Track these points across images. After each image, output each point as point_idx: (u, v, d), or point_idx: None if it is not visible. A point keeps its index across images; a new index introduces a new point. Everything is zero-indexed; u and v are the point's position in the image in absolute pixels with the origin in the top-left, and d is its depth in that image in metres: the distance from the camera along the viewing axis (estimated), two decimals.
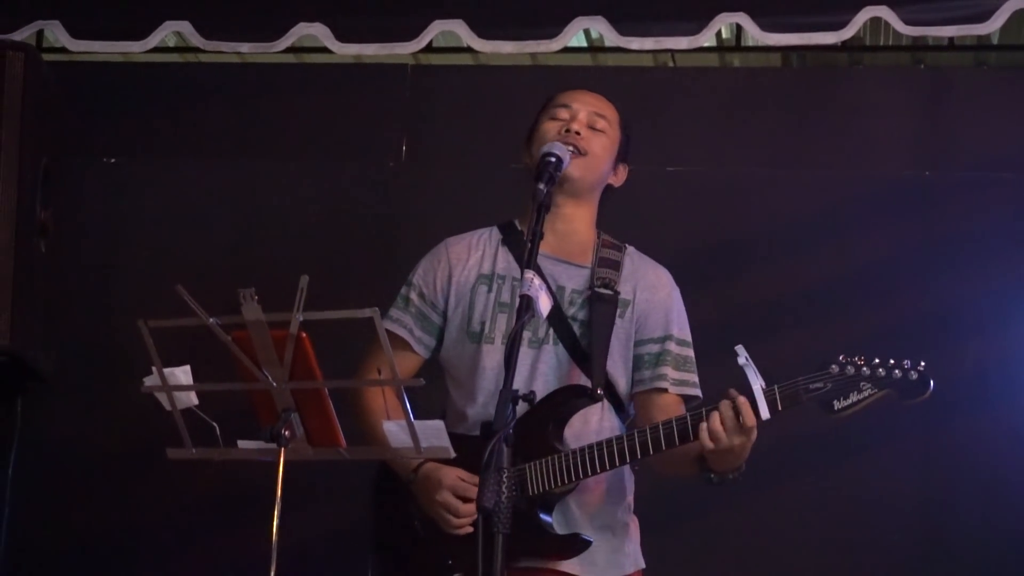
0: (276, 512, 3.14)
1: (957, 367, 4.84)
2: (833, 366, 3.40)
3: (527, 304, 3.19)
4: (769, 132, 5.41)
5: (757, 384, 3.39)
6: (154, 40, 5.52)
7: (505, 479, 2.97)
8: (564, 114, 3.76)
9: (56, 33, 5.55)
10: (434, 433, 3.15)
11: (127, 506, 5.35)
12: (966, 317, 5.03)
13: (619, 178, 3.84)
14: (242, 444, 3.29)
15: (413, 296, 3.80)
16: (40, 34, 5.63)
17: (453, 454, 3.16)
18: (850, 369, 3.39)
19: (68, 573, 5.35)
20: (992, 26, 5.04)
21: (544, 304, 3.24)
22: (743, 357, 3.38)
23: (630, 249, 3.83)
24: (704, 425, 3.41)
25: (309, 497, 4.85)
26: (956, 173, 5.22)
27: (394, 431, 3.16)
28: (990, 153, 5.22)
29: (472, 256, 3.79)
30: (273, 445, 3.18)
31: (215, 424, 3.24)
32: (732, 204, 5.32)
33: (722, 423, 3.39)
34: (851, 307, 5.08)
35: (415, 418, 3.14)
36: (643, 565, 3.74)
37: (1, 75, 4.46)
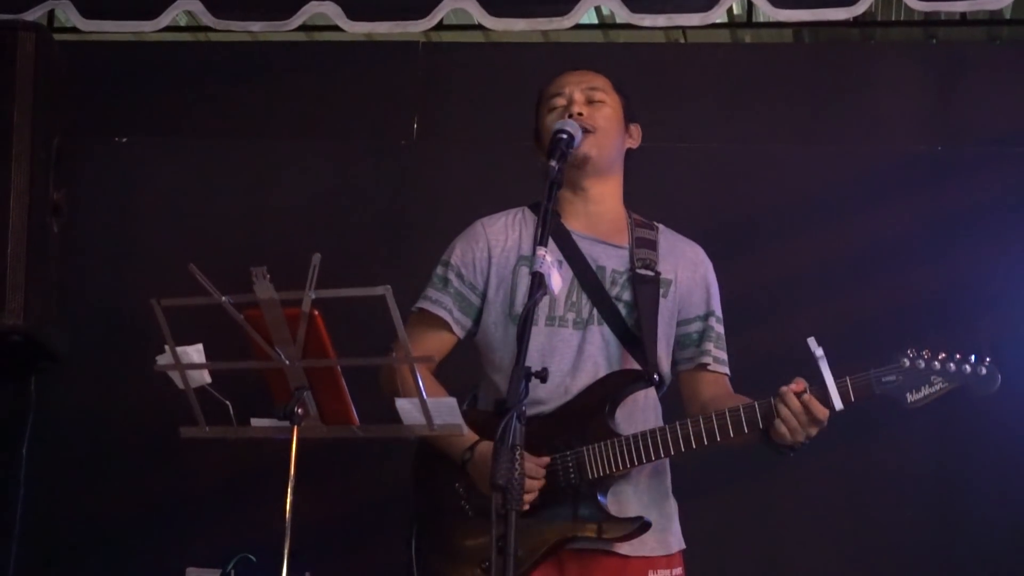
0: (289, 490, 3.15)
1: (970, 342, 4.81)
2: (904, 359, 3.42)
3: (539, 281, 3.18)
4: (781, 108, 5.40)
5: (829, 376, 3.39)
6: (165, 19, 5.52)
7: (519, 456, 2.97)
8: (560, 101, 3.76)
9: (67, 13, 5.56)
10: (447, 410, 3.14)
11: (141, 485, 5.36)
12: (980, 291, 5.01)
13: (635, 138, 3.85)
14: (255, 422, 3.30)
15: (452, 276, 3.76)
16: (51, 14, 5.63)
17: (465, 431, 3.16)
18: (920, 363, 3.41)
19: (83, 551, 5.37)
20: (1004, 0, 5.02)
21: (556, 281, 3.22)
22: (817, 349, 3.38)
23: (661, 227, 3.84)
24: (779, 421, 3.41)
25: (324, 475, 4.87)
26: (968, 148, 5.20)
27: (407, 408, 3.16)
28: (1002, 128, 5.20)
29: (510, 237, 3.77)
30: (286, 423, 3.19)
31: (228, 402, 3.24)
32: (743, 181, 5.31)
33: (795, 417, 3.41)
34: (864, 283, 5.07)
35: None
36: (684, 545, 3.74)
37: (13, 55, 4.47)
